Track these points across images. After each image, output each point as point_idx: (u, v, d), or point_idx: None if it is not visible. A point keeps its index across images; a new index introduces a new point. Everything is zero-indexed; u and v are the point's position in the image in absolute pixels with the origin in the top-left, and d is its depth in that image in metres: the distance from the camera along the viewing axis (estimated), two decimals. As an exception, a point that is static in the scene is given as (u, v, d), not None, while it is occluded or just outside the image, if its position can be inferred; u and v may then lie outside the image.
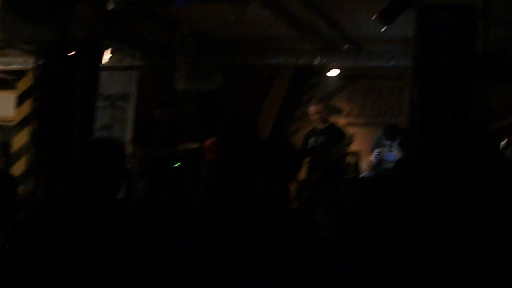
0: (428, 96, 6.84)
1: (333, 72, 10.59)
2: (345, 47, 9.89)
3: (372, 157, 8.87)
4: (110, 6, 7.36)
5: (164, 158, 8.69)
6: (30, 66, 9.85)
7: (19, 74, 10.99)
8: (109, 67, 10.30)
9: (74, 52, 7.41)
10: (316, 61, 10.10)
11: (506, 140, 8.95)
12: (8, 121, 11.29)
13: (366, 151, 9.27)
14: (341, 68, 10.43)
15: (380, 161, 8.81)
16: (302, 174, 8.20)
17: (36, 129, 7.81)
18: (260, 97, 11.41)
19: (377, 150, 8.84)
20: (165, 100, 9.37)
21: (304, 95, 11.21)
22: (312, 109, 8.17)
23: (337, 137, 7.95)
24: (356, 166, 8.66)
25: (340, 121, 10.69)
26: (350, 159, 8.11)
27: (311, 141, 8.14)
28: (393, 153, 8.71)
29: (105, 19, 7.52)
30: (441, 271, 3.08)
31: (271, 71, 11.13)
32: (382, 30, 6.88)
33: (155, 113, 8.94)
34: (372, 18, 6.77)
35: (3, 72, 11.03)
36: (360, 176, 8.66)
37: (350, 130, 10.01)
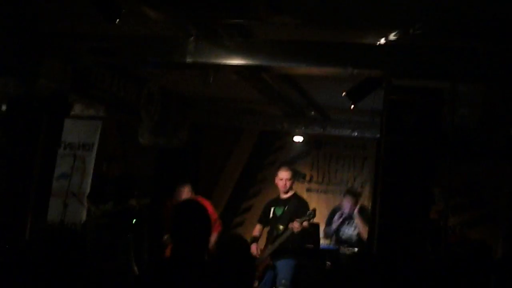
0: (391, 170, 6.88)
1: (299, 138, 10.63)
2: (312, 114, 9.95)
3: (332, 227, 8.86)
4: (79, 63, 7.30)
5: (116, 213, 8.56)
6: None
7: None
8: (73, 116, 10.23)
9: (38, 104, 7.33)
10: (282, 126, 10.12)
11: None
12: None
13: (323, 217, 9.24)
14: (306, 134, 10.47)
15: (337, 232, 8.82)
16: (262, 243, 8.15)
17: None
18: (224, 157, 11.38)
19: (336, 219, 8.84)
20: (118, 154, 9.30)
21: (267, 158, 11.21)
22: (281, 174, 8.11)
23: (301, 208, 7.90)
24: (317, 237, 8.59)
25: (303, 186, 10.73)
26: (310, 230, 8.05)
27: (273, 210, 8.08)
28: (350, 227, 8.74)
29: (73, 74, 7.46)
30: None
31: (237, 132, 11.12)
32: (351, 107, 6.93)
33: (111, 165, 8.86)
34: (342, 94, 6.80)
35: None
36: (321, 247, 8.60)
37: (312, 197, 10.07)
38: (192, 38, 6.57)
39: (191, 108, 10.40)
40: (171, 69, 7.95)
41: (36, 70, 6.96)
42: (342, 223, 8.85)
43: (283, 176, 8.07)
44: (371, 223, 7.76)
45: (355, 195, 9.07)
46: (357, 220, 8.75)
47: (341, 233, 8.83)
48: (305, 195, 9.57)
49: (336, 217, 8.94)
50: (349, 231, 8.75)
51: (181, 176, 9.12)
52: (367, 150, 10.72)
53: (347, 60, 6.42)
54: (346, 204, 8.91)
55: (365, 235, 8.54)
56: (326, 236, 9.00)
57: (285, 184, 8.04)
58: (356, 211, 8.78)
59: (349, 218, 8.84)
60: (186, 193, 8.41)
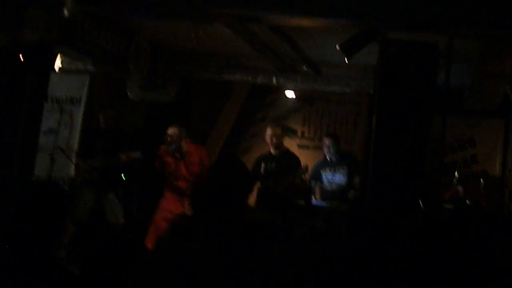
0: (384, 126, 6.80)
1: (290, 93, 10.49)
2: (304, 69, 9.80)
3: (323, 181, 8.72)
4: (65, 13, 7.10)
5: (105, 168, 8.44)
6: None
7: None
8: (59, 70, 10.05)
9: (25, 56, 7.19)
10: (274, 81, 9.95)
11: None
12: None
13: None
14: (298, 90, 10.32)
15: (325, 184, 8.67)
16: (252, 200, 8.07)
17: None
18: (214, 112, 11.23)
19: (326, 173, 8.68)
20: (112, 106, 9.14)
21: (258, 113, 11.08)
22: (270, 131, 7.99)
23: (293, 164, 7.82)
24: (308, 193, 8.52)
25: (293, 142, 10.63)
26: (301, 186, 7.99)
27: (264, 166, 7.98)
28: (338, 175, 8.57)
29: (59, 25, 7.27)
30: None
31: (227, 87, 10.96)
32: (346, 61, 6.79)
33: (100, 119, 8.70)
34: (336, 49, 6.66)
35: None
36: (313, 203, 8.52)
37: (304, 153, 9.98)
38: (183, -13, 6.40)
39: (181, 63, 10.20)
40: (160, 20, 7.74)
41: (20, 20, 6.78)
42: (330, 172, 8.64)
43: (271, 133, 7.99)
44: (363, 179, 7.70)
45: (334, 136, 8.82)
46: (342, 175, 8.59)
47: (332, 183, 8.60)
48: (296, 151, 9.47)
49: (321, 170, 8.72)
50: (338, 179, 8.55)
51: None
52: (360, 106, 10.59)
53: (341, 11, 6.26)
54: (330, 146, 8.62)
55: None
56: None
57: (276, 141, 7.96)
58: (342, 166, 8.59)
59: (337, 164, 8.62)
60: (179, 135, 8.17)
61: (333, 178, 8.56)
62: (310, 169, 8.29)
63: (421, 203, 7.18)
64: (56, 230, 2.91)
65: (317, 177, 8.64)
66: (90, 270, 3.17)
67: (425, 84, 6.71)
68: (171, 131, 8.17)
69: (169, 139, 8.15)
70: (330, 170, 8.57)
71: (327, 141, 8.57)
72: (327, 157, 8.57)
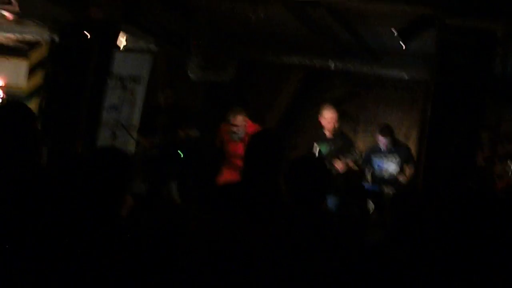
0: (440, 113, 6.81)
1: (347, 78, 10.53)
2: (362, 54, 9.83)
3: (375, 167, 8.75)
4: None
5: (166, 145, 8.66)
6: (45, 38, 9.82)
7: (33, 44, 10.92)
8: (123, 48, 10.31)
9: (90, 33, 7.40)
10: (331, 65, 10.01)
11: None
12: (18, 90, 11.25)
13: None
14: (355, 75, 10.35)
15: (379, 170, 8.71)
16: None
17: (45, 102, 7.83)
18: (272, 94, 11.34)
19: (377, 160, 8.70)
20: (172, 86, 9.33)
21: (316, 96, 11.14)
22: (327, 114, 8.02)
23: (348, 147, 7.86)
24: (361, 177, 8.59)
25: (350, 127, 10.67)
26: (354, 167, 8.04)
27: (318, 148, 8.04)
28: (389, 164, 8.59)
29: (123, 3, 7.48)
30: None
31: (285, 69, 11.04)
32: (403, 47, 6.82)
33: (160, 98, 8.92)
34: (393, 34, 6.70)
35: (17, 40, 10.96)
36: (365, 187, 8.58)
37: (359, 138, 9.99)
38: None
39: (240, 43, 10.34)
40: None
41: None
42: (382, 159, 8.67)
43: (328, 115, 7.99)
44: (417, 165, 7.72)
45: (390, 132, 8.74)
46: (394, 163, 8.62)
47: (383, 170, 8.66)
48: (352, 136, 9.51)
49: (373, 156, 8.75)
50: (390, 167, 8.57)
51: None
52: (416, 92, 10.55)
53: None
54: (382, 142, 8.65)
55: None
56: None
57: (331, 124, 7.97)
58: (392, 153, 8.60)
59: (389, 153, 8.68)
60: (244, 123, 8.28)
61: (384, 165, 8.60)
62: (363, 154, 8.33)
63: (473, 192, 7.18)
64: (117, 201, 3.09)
65: (367, 162, 8.71)
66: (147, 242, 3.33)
67: (482, 72, 6.69)
68: (236, 120, 8.20)
69: (234, 128, 8.22)
70: (381, 157, 8.61)
71: (383, 140, 8.59)
72: (381, 148, 8.63)
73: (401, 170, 8.52)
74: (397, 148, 8.61)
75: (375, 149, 8.79)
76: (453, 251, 3.22)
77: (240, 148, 8.08)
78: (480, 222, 3.27)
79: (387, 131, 8.70)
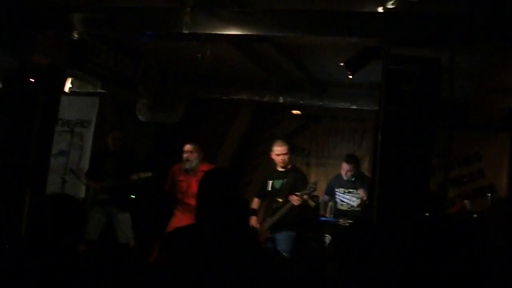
0: (389, 141, 6.86)
1: (296, 112, 10.59)
2: (310, 88, 9.92)
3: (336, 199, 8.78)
4: (75, 36, 7.24)
5: (115, 188, 8.56)
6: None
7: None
8: (70, 92, 10.21)
9: (35, 79, 7.29)
10: (281, 100, 10.07)
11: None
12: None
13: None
14: (304, 108, 10.42)
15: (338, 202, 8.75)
16: (260, 217, 8.14)
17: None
18: (222, 131, 11.32)
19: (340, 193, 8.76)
20: (121, 128, 9.24)
21: (266, 132, 11.17)
22: (277, 149, 8.03)
23: (300, 181, 7.86)
24: (317, 209, 8.59)
25: (302, 160, 10.70)
26: (310, 202, 8.02)
27: (272, 183, 8.04)
28: (350, 197, 8.64)
29: (69, 47, 7.40)
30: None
31: (235, 106, 11.06)
32: (350, 77, 6.90)
33: (109, 141, 8.82)
34: (340, 67, 6.76)
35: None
36: (320, 219, 8.60)
37: (311, 171, 10.03)
38: (189, 9, 6.51)
39: (188, 83, 10.35)
40: (167, 41, 7.88)
41: (30, 44, 6.90)
42: (344, 193, 8.73)
43: (279, 151, 8.00)
44: (370, 194, 7.75)
45: (355, 161, 8.86)
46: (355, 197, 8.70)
47: (344, 204, 8.70)
48: (304, 169, 9.53)
49: (336, 188, 8.81)
50: (351, 200, 8.63)
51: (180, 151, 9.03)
52: (366, 123, 10.66)
53: (345, 29, 6.37)
54: (348, 171, 8.70)
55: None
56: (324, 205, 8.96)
57: (283, 158, 7.97)
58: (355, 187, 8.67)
59: (351, 183, 8.70)
60: (194, 152, 8.30)
61: (346, 198, 8.65)
62: (317, 186, 8.33)
63: (427, 217, 7.24)
64: (69, 247, 3.00)
65: (330, 193, 8.76)
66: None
67: (429, 99, 6.75)
68: (188, 147, 8.29)
69: (186, 155, 8.27)
70: (344, 191, 8.68)
71: (346, 166, 8.64)
72: (343, 177, 8.68)
73: (362, 202, 8.57)
74: (359, 179, 8.64)
75: (337, 180, 8.83)
76: (409, 277, 3.21)
77: (193, 185, 8.03)
78: (436, 246, 3.27)
79: (352, 159, 8.83)
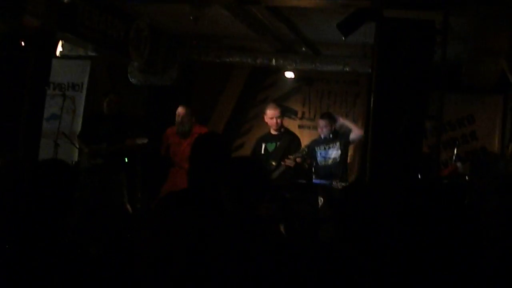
0: (382, 104, 6.87)
1: (290, 74, 10.56)
2: (303, 50, 9.87)
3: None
4: (66, -1, 7.18)
5: (111, 154, 8.53)
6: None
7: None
8: (61, 56, 10.14)
9: (26, 42, 7.24)
10: (273, 62, 10.04)
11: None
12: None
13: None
14: (297, 71, 10.39)
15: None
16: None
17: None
18: (215, 94, 11.30)
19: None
20: (114, 91, 9.18)
21: (259, 95, 11.14)
22: (270, 112, 8.03)
23: (293, 144, 7.89)
24: (309, 172, 8.60)
25: (294, 123, 10.70)
26: (303, 164, 8.05)
27: (265, 146, 8.06)
28: (331, 150, 8.62)
29: (59, 10, 7.33)
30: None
31: (227, 69, 11.01)
32: (343, 39, 6.88)
33: (103, 104, 8.76)
34: (333, 28, 6.74)
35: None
36: (314, 182, 8.62)
37: (304, 133, 10.03)
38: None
39: (181, 46, 10.29)
40: (159, 3, 7.81)
41: (21, 7, 6.82)
42: (324, 149, 8.69)
43: (272, 114, 8.00)
44: (363, 157, 7.78)
45: (329, 117, 8.76)
46: (345, 123, 8.66)
47: (326, 159, 8.65)
48: (297, 132, 9.53)
49: (316, 147, 8.77)
50: (332, 153, 8.59)
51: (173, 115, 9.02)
52: (359, 85, 10.63)
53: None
54: (324, 127, 8.59)
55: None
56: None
57: (276, 122, 7.98)
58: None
59: (329, 140, 8.62)
60: (186, 115, 8.33)
61: (327, 153, 8.61)
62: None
63: (420, 179, 7.29)
64: (63, 211, 3.02)
65: (312, 155, 8.74)
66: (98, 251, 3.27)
67: (422, 62, 6.77)
68: (181, 110, 8.34)
69: (179, 119, 8.31)
70: (324, 147, 8.63)
71: (321, 123, 8.60)
72: (321, 136, 8.63)
73: (342, 153, 8.54)
74: (336, 134, 8.58)
75: (316, 141, 8.80)
76: (403, 240, 3.23)
77: (186, 148, 8.04)
78: (429, 208, 3.30)
79: (326, 115, 8.81)
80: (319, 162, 8.62)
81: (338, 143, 8.53)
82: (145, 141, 8.48)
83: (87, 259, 3.15)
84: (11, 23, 6.93)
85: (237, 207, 3.24)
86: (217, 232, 3.11)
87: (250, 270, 3.04)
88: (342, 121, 8.67)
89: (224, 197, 3.26)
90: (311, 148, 8.69)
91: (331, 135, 8.51)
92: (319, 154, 8.64)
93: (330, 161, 8.56)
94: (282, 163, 7.66)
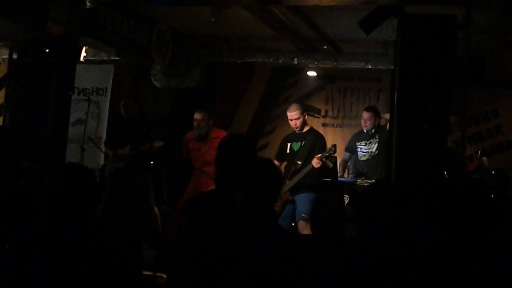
0: (406, 100, 6.86)
1: (312, 73, 10.56)
2: (324, 48, 9.86)
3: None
4: (87, 4, 7.24)
5: (133, 157, 8.61)
6: (3, 57, 9.74)
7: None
8: (85, 61, 10.23)
9: (50, 49, 7.32)
10: (295, 61, 10.04)
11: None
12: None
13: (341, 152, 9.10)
14: (319, 69, 10.39)
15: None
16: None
17: (8, 122, 7.72)
18: (238, 95, 11.33)
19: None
20: (137, 95, 9.27)
21: (281, 94, 11.16)
22: (288, 114, 8.04)
23: (318, 143, 7.89)
24: (334, 170, 8.60)
25: (318, 121, 10.70)
26: (328, 163, 8.04)
27: (290, 145, 8.07)
28: (372, 145, 8.57)
29: (82, 16, 7.40)
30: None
31: (250, 70, 11.04)
32: (365, 37, 6.87)
33: (125, 108, 8.82)
34: (355, 25, 6.73)
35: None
36: (339, 180, 8.62)
37: (328, 131, 10.01)
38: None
39: (203, 48, 10.33)
40: (179, 5, 7.84)
41: (45, 14, 6.90)
42: (365, 144, 8.65)
43: (290, 116, 8.01)
44: (388, 154, 7.74)
45: (373, 110, 8.74)
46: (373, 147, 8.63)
47: (364, 153, 8.61)
48: (320, 130, 9.52)
49: (357, 142, 8.72)
50: (373, 148, 8.54)
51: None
52: (382, 82, 10.61)
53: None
54: (368, 119, 8.57)
55: None
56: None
57: (295, 123, 7.98)
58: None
59: (371, 134, 8.58)
60: (203, 119, 8.41)
61: (368, 148, 8.59)
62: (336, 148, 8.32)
63: (446, 175, 7.25)
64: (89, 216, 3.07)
65: (351, 149, 8.74)
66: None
67: (445, 57, 6.74)
68: (198, 115, 8.44)
69: (196, 123, 8.40)
70: (365, 143, 8.59)
71: (365, 115, 8.59)
72: (364, 130, 8.62)
73: (382, 149, 8.47)
74: (378, 131, 8.54)
75: (358, 135, 8.80)
76: (431, 237, 3.20)
77: (207, 154, 8.10)
78: (457, 204, 3.27)
79: (371, 108, 8.83)
80: (359, 157, 8.63)
81: (379, 138, 8.51)
82: (161, 143, 8.61)
83: (111, 260, 3.19)
84: (35, 30, 7.01)
85: (251, 207, 3.25)
86: (242, 233, 3.12)
87: (274, 270, 3.05)
88: (387, 116, 8.58)
89: (239, 198, 3.27)
90: (352, 141, 8.71)
91: (373, 130, 8.50)
92: (359, 149, 8.63)
93: (370, 156, 8.55)
94: (311, 163, 7.66)
